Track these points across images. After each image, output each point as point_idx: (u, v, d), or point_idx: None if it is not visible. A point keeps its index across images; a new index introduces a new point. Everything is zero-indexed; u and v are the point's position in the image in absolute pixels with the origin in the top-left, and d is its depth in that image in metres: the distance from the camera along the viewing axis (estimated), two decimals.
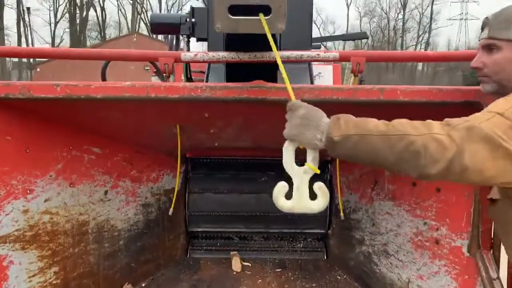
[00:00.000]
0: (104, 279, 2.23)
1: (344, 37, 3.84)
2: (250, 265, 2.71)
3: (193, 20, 2.43)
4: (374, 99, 1.66)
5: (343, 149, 1.29)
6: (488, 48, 1.44)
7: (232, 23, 1.43)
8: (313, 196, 1.41)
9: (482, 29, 1.49)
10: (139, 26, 42.55)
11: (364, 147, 1.26)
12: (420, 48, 44.76)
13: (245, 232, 2.89)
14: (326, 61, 1.76)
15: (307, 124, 1.33)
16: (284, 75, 1.46)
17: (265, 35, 1.53)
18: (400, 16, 44.76)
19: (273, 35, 1.62)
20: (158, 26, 2.51)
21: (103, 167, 2.21)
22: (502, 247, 1.73)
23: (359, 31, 44.22)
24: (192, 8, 2.44)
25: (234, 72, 1.96)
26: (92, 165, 2.15)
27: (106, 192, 2.24)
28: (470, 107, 1.69)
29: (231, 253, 2.78)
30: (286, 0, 1.39)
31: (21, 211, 1.82)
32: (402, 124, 1.27)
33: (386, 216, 2.25)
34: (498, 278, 1.65)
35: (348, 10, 46.18)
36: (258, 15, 1.41)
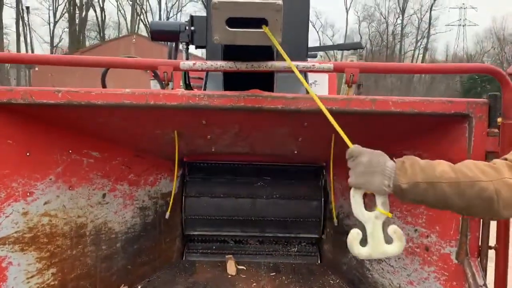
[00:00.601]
0: (101, 281, 2.26)
1: (339, 47, 3.92)
2: (245, 268, 2.75)
3: (192, 28, 2.49)
4: (366, 109, 1.71)
5: (411, 195, 1.28)
6: None
7: (230, 35, 1.48)
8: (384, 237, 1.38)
9: None
10: (138, 27, 42.65)
11: (433, 194, 1.25)
12: (419, 53, 45.01)
13: (241, 236, 2.93)
14: (321, 72, 1.80)
15: (373, 172, 1.30)
16: (332, 120, 1.50)
17: (261, 46, 1.59)
18: (399, 21, 45.00)
19: (270, 47, 1.67)
20: (158, 34, 2.56)
21: (101, 171, 2.25)
22: (490, 255, 1.79)
23: (358, 35, 44.41)
24: (192, 17, 2.50)
25: (232, 80, 2.01)
26: (91, 168, 2.19)
27: (104, 195, 2.28)
28: (460, 118, 1.75)
29: (226, 256, 2.81)
30: (282, 14, 1.44)
31: (21, 213, 1.86)
32: (470, 169, 1.25)
33: None
34: (485, 285, 1.69)
35: (347, 14, 46.44)
36: (254, 28, 1.47)
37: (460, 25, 46.34)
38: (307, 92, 2.94)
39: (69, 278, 2.09)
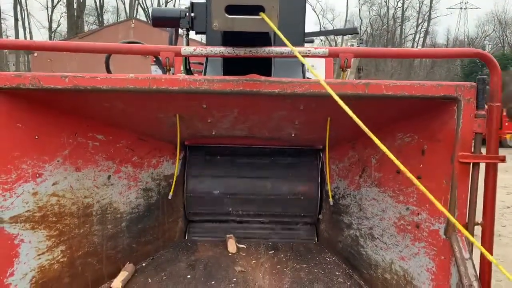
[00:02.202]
0: (107, 258, 2.37)
1: (335, 32, 3.99)
2: (245, 247, 2.86)
3: (192, 14, 2.55)
4: (360, 93, 1.79)
5: None
6: None
7: (229, 21, 1.55)
8: None
9: None
10: (137, 11, 42.28)
11: None
12: (419, 37, 44.71)
13: (241, 216, 3.02)
14: (316, 57, 1.87)
15: None
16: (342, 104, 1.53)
17: (259, 32, 1.66)
18: (400, 5, 44.58)
19: (268, 33, 1.75)
20: (159, 20, 2.62)
21: (106, 153, 2.34)
22: (476, 230, 1.88)
23: (359, 18, 44.08)
24: (192, 3, 2.57)
25: (231, 65, 2.08)
26: (97, 151, 2.28)
27: (109, 177, 2.38)
28: (449, 101, 1.83)
29: (227, 236, 2.92)
30: (278, 1, 1.51)
31: (31, 193, 1.95)
32: None
33: (372, 201, 2.39)
34: (471, 258, 1.79)
35: None
36: (252, 14, 1.54)
37: (462, 8, 46.01)
38: (304, 77, 3.02)
39: (77, 255, 2.19)
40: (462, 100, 1.78)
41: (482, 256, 1.91)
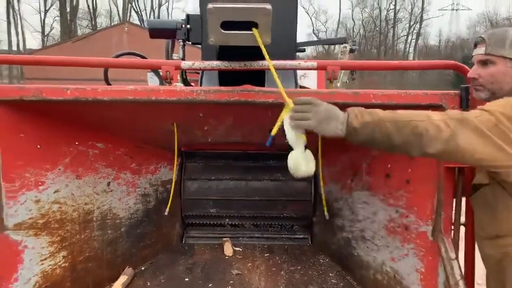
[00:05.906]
0: (107, 262, 2.44)
1: (325, 42, 4.13)
2: (241, 250, 2.93)
3: (188, 26, 2.64)
4: (349, 102, 1.88)
5: (362, 135, 1.54)
6: (484, 62, 1.72)
7: (224, 36, 1.64)
8: None
9: (476, 45, 1.77)
10: (130, 15, 42.29)
11: (379, 131, 1.52)
12: (411, 39, 45.07)
13: (237, 220, 3.09)
14: (306, 69, 1.96)
15: (329, 117, 1.58)
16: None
17: (252, 46, 1.74)
18: (392, 6, 44.91)
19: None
20: (156, 32, 2.70)
21: (106, 161, 2.41)
22: (461, 232, 1.98)
23: (351, 20, 44.35)
24: (187, 15, 2.66)
25: (226, 76, 2.16)
26: (96, 159, 2.35)
27: (108, 184, 2.45)
28: (435, 109, 1.92)
29: (223, 239, 3.00)
30: (271, 17, 1.60)
31: (33, 201, 2.02)
32: (407, 113, 1.55)
33: (363, 205, 2.48)
34: (457, 258, 1.89)
35: (340, 0, 46.23)
36: (246, 30, 1.62)
37: (453, 9, 46.45)
38: (296, 86, 3.11)
39: (78, 260, 2.26)
40: (447, 108, 1.88)
41: (466, 256, 2.01)
